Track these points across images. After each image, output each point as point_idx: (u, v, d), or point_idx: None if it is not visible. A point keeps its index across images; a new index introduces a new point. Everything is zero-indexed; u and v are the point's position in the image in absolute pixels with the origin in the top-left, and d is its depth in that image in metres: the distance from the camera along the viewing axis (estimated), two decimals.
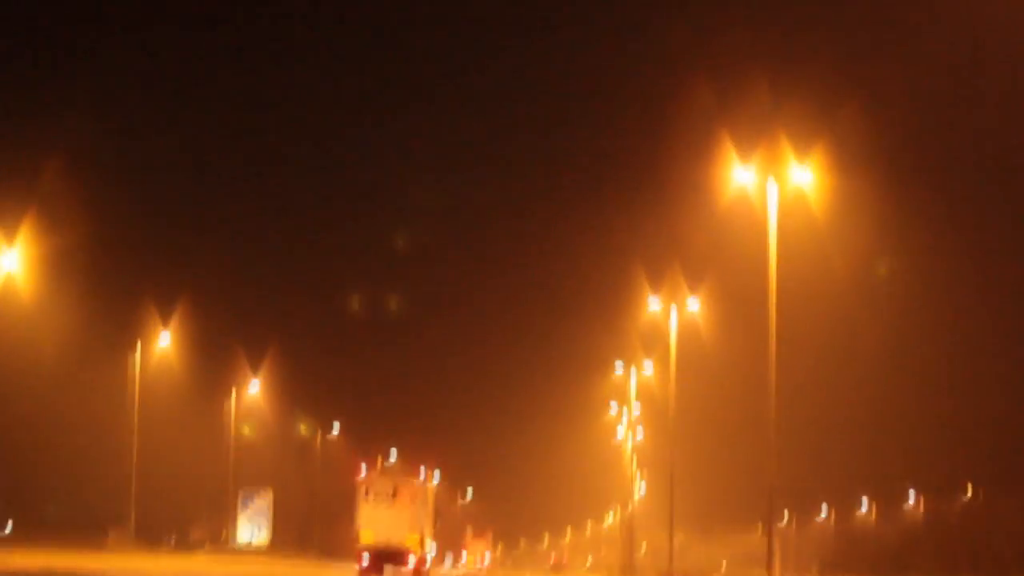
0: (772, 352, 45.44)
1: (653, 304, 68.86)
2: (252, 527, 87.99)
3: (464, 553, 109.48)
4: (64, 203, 61.38)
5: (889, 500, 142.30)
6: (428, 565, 52.43)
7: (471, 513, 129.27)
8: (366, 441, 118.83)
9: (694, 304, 67.16)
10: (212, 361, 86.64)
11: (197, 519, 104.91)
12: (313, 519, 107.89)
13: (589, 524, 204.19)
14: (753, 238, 47.66)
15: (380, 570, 49.37)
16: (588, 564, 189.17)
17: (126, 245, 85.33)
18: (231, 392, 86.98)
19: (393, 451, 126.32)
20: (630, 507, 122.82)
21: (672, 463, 69.93)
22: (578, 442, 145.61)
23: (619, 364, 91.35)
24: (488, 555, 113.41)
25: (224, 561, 73.56)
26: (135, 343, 70.46)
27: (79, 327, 74.09)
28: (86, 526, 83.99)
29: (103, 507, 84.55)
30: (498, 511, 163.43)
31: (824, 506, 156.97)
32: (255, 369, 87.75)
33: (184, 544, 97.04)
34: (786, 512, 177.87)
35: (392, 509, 48.48)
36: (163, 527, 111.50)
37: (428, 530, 50.46)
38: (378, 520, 48.28)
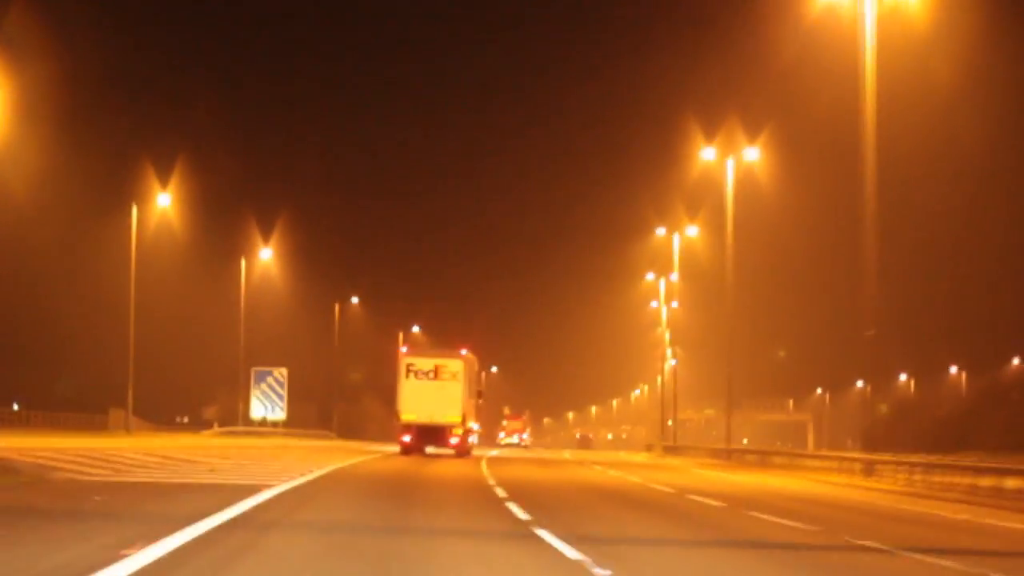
0: (870, 202, 38.10)
1: (706, 155, 61.21)
2: (267, 404, 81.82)
3: (502, 433, 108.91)
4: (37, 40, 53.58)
5: (928, 374, 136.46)
6: (471, 442, 51.67)
7: (499, 390, 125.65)
8: (386, 315, 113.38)
9: (752, 154, 59.58)
10: (219, 225, 79.36)
11: (209, 397, 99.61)
12: (334, 396, 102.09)
13: (615, 402, 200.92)
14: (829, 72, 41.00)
15: (422, 448, 48.41)
16: (610, 437, 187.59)
17: (123, 94, 77.02)
18: (240, 260, 79.75)
19: (415, 327, 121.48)
20: (660, 381, 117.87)
21: (731, 330, 62.69)
22: (607, 316, 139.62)
23: (660, 230, 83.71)
24: (526, 435, 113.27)
25: (225, 438, 67.69)
26: (131, 206, 62.84)
27: (79, 184, 66.91)
28: (92, 405, 79.17)
29: (110, 384, 79.30)
30: (523, 387, 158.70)
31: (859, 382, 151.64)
32: (265, 236, 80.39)
33: (198, 423, 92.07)
34: (819, 389, 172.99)
35: (434, 387, 47.48)
36: (174, 406, 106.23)
37: (470, 409, 49.20)
38: (420, 398, 47.31)
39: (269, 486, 22.83)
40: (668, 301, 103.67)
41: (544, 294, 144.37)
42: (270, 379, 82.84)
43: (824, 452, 52.80)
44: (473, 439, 52.35)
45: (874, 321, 40.24)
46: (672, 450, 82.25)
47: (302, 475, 28.05)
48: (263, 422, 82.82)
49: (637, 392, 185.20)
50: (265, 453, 43.34)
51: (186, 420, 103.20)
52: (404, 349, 50.79)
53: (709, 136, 61.40)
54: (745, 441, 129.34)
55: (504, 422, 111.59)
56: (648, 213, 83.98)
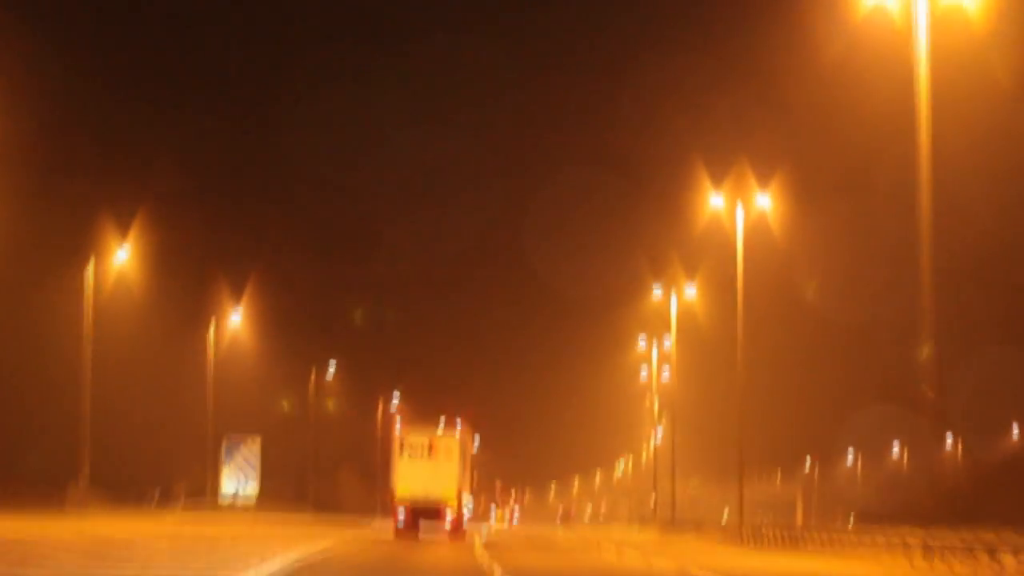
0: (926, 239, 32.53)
1: (714, 202, 55.51)
2: (238, 479, 75.63)
3: (493, 508, 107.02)
4: None
5: (918, 445, 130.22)
6: (467, 520, 49.89)
7: (481, 463, 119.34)
8: (365, 382, 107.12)
9: (763, 201, 54.05)
10: (186, 286, 73.21)
11: (181, 469, 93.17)
12: (309, 470, 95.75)
13: (598, 473, 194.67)
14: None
15: (416, 526, 46.98)
16: (587, 515, 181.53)
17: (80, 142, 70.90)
18: (210, 323, 73.51)
19: (395, 399, 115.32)
20: (646, 453, 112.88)
21: (741, 395, 56.80)
22: (593, 384, 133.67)
23: (657, 290, 78.01)
24: (516, 512, 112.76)
25: (191, 521, 61.47)
26: (87, 260, 56.86)
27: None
28: (62, 478, 73.56)
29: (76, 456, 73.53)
30: (505, 460, 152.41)
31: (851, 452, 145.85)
32: (237, 297, 74.24)
33: (169, 497, 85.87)
34: (808, 459, 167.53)
35: (429, 463, 46.69)
36: (144, 477, 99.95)
37: (465, 485, 48.19)
38: (415, 475, 46.46)
39: None
40: (660, 367, 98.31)
41: (527, 361, 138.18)
42: (244, 449, 76.66)
43: (861, 528, 46.57)
44: (468, 514, 50.41)
45: (933, 373, 34.26)
46: (672, 525, 76.00)
47: None
48: (234, 499, 76.36)
49: (622, 463, 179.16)
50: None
51: (156, 495, 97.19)
52: (399, 424, 48.95)
53: (715, 182, 55.85)
54: (725, 514, 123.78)
55: (494, 507, 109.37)
56: (642, 272, 78.10)
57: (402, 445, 46.60)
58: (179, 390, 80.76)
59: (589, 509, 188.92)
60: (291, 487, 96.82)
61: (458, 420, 47.74)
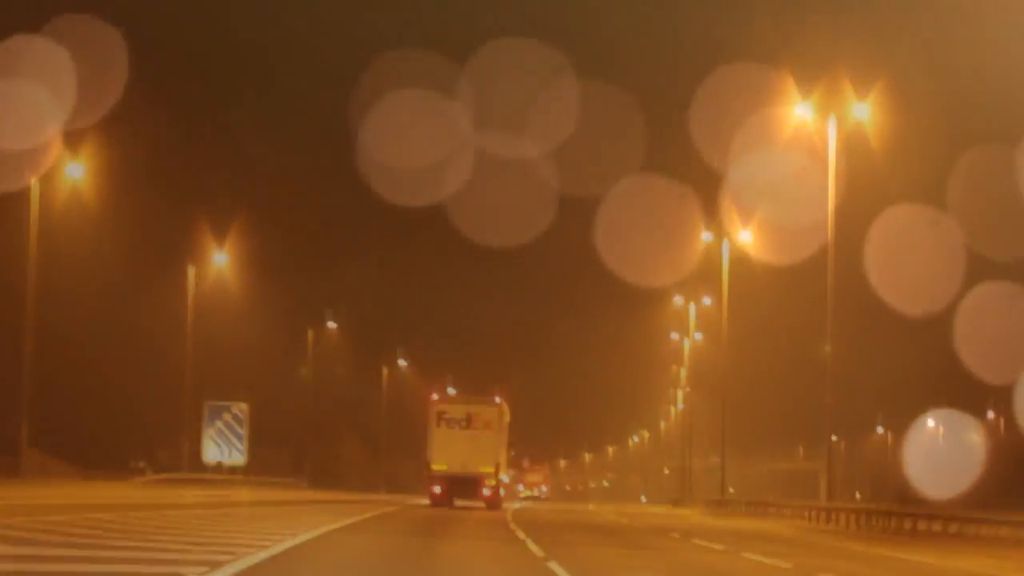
0: None
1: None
2: (222, 446, 65.51)
3: (521, 486, 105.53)
4: None
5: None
6: (503, 495, 48.96)
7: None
8: (370, 343, 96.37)
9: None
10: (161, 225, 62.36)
11: (167, 438, 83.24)
12: (307, 438, 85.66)
13: (610, 450, 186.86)
14: None
15: (451, 500, 45.65)
16: (594, 487, 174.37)
17: None
18: (187, 270, 62.70)
19: (401, 361, 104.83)
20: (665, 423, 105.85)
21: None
22: (612, 359, 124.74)
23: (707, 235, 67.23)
24: (545, 488, 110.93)
25: (153, 489, 52.07)
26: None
27: None
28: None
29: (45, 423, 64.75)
30: (517, 431, 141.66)
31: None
32: (220, 239, 63.32)
33: (158, 468, 76.60)
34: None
35: (467, 436, 45.76)
36: (126, 447, 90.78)
37: (503, 459, 47.05)
38: (452, 447, 45.53)
39: None
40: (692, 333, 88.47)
41: (544, 330, 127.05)
42: (227, 415, 66.46)
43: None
44: (503, 492, 49.24)
45: None
46: (718, 505, 65.43)
47: None
48: (218, 467, 66.70)
49: (635, 438, 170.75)
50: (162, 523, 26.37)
51: (143, 464, 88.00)
52: (435, 395, 48.94)
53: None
54: (732, 490, 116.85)
55: (521, 486, 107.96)
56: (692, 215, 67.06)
57: (440, 417, 45.61)
58: (160, 348, 70.68)
59: (596, 484, 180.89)
60: (288, 457, 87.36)
61: (496, 396, 46.86)
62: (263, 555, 16.87)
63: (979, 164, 53.98)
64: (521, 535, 26.33)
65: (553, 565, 18.14)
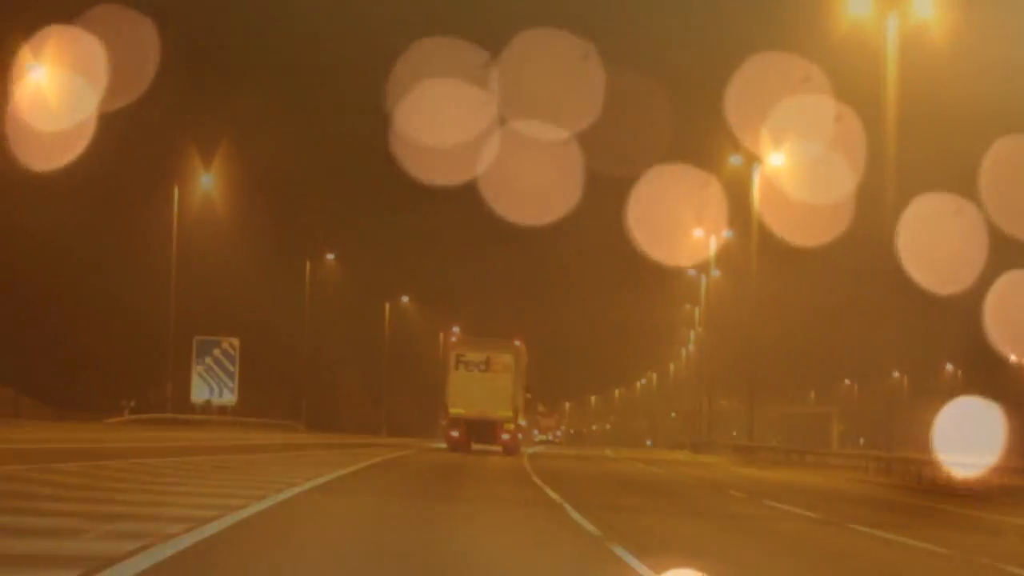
0: None
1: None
2: (212, 384, 60.99)
3: (536, 431, 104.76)
4: None
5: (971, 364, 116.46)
6: (520, 439, 48.28)
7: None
8: (371, 281, 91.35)
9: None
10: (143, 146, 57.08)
11: (161, 377, 78.62)
12: (304, 378, 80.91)
13: (617, 392, 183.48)
14: None
15: (469, 445, 44.72)
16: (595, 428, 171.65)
17: None
18: (172, 194, 57.49)
19: (404, 298, 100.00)
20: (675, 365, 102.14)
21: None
22: (623, 300, 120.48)
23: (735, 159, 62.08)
24: (559, 432, 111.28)
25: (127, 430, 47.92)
26: None
27: None
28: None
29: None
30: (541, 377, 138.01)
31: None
32: (206, 161, 58.18)
33: (148, 408, 72.02)
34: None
35: (485, 379, 44.81)
36: (116, 388, 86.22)
37: (521, 404, 46.32)
38: (470, 390, 44.65)
39: None
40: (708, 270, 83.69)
41: (552, 272, 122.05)
42: (216, 351, 61.83)
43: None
44: (521, 436, 48.52)
45: None
46: (746, 452, 60.57)
47: None
48: (206, 406, 62.23)
49: (643, 381, 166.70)
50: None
51: (133, 404, 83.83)
52: (454, 336, 49.98)
53: None
54: (733, 434, 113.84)
55: (536, 431, 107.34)
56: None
57: (458, 360, 44.94)
58: (148, 282, 65.84)
59: (598, 427, 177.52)
60: (287, 399, 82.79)
61: (516, 341, 46.13)
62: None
63: None
64: (553, 495, 21.35)
65: (619, 551, 13.01)
